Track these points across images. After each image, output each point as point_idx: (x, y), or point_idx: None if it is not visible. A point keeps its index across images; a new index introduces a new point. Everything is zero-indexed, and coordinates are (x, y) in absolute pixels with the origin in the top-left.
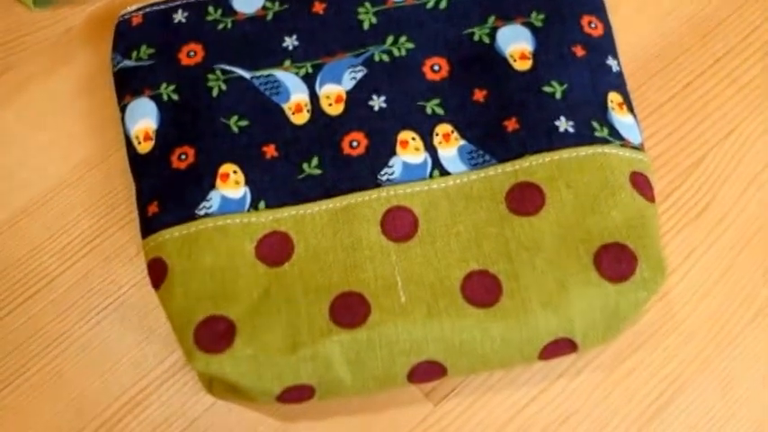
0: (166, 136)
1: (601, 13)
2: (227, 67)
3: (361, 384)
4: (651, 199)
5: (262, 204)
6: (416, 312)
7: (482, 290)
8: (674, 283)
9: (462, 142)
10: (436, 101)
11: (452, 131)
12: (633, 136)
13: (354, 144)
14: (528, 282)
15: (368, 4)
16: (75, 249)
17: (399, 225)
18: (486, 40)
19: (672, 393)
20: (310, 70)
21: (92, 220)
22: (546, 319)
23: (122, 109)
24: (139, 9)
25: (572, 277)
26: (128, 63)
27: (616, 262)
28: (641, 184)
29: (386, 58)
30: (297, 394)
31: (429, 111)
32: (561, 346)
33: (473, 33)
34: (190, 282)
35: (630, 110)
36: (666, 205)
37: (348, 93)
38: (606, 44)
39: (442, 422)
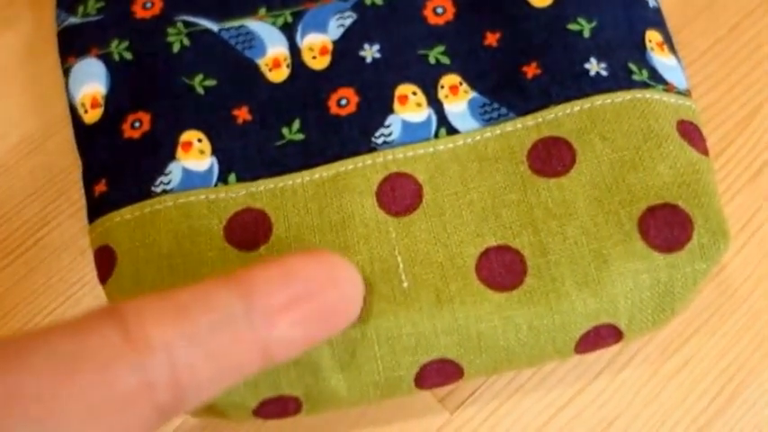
0: (117, 101)
1: None
2: (191, 19)
3: (359, 393)
4: (704, 151)
5: (232, 177)
6: (422, 299)
7: (502, 269)
8: (730, 255)
9: (473, 94)
10: (440, 48)
11: (461, 83)
12: (678, 80)
13: (343, 102)
14: (558, 256)
15: None
16: (16, 243)
17: (399, 195)
18: None
19: (735, 388)
20: (290, 19)
21: (36, 209)
22: (583, 302)
23: (66, 73)
24: None
25: (613, 248)
26: (73, 20)
27: (666, 227)
28: (691, 133)
29: (379, 1)
30: (279, 408)
31: (432, 60)
32: (603, 335)
33: None
34: (142, 273)
35: (672, 50)
36: (717, 166)
37: (335, 43)
38: None
39: None
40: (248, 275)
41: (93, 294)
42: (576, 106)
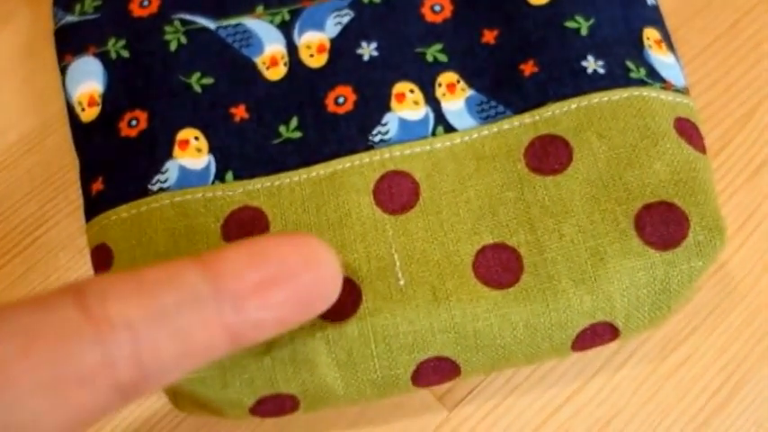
0: (115, 100)
1: None
2: (188, 17)
3: (356, 392)
4: (702, 149)
5: (229, 175)
6: (419, 297)
7: (499, 267)
8: (730, 253)
9: (470, 92)
10: (438, 46)
11: (458, 80)
12: (675, 77)
13: (341, 100)
14: (555, 254)
15: None
16: (13, 242)
17: (396, 194)
18: None
19: (734, 385)
20: (287, 17)
21: (34, 208)
22: (579, 300)
23: (63, 71)
24: None
25: (609, 246)
26: (70, 18)
27: (662, 225)
28: (689, 131)
29: None
30: (276, 406)
31: (430, 58)
32: (599, 333)
33: None
34: None
35: (671, 48)
36: (716, 164)
37: (332, 41)
38: None
39: (460, 431)
40: (217, 257)
41: None
42: (573, 104)
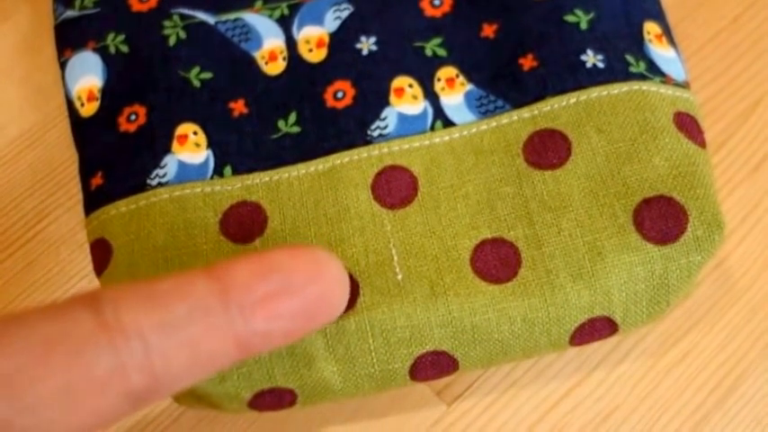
0: (114, 94)
1: None
2: (187, 12)
3: (354, 386)
4: (701, 143)
5: (228, 170)
6: (416, 291)
7: (497, 261)
8: (730, 248)
9: (469, 87)
10: (437, 40)
11: (457, 75)
12: (676, 71)
13: (340, 95)
14: (553, 249)
15: None
16: (14, 237)
17: (395, 188)
18: None
19: (733, 381)
20: (286, 11)
21: (35, 202)
22: (577, 294)
23: (62, 66)
24: None
25: (607, 241)
26: (71, 13)
27: (661, 219)
28: (688, 125)
29: None
30: (273, 400)
31: (429, 52)
32: (597, 328)
33: None
34: (138, 266)
35: (671, 42)
36: (717, 159)
37: (331, 35)
38: None
39: (458, 425)
40: (227, 268)
41: (91, 288)
42: (572, 98)
